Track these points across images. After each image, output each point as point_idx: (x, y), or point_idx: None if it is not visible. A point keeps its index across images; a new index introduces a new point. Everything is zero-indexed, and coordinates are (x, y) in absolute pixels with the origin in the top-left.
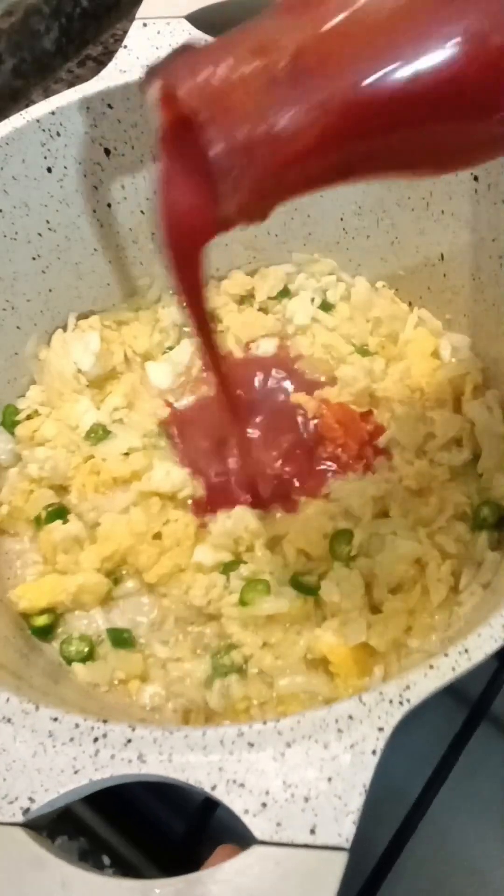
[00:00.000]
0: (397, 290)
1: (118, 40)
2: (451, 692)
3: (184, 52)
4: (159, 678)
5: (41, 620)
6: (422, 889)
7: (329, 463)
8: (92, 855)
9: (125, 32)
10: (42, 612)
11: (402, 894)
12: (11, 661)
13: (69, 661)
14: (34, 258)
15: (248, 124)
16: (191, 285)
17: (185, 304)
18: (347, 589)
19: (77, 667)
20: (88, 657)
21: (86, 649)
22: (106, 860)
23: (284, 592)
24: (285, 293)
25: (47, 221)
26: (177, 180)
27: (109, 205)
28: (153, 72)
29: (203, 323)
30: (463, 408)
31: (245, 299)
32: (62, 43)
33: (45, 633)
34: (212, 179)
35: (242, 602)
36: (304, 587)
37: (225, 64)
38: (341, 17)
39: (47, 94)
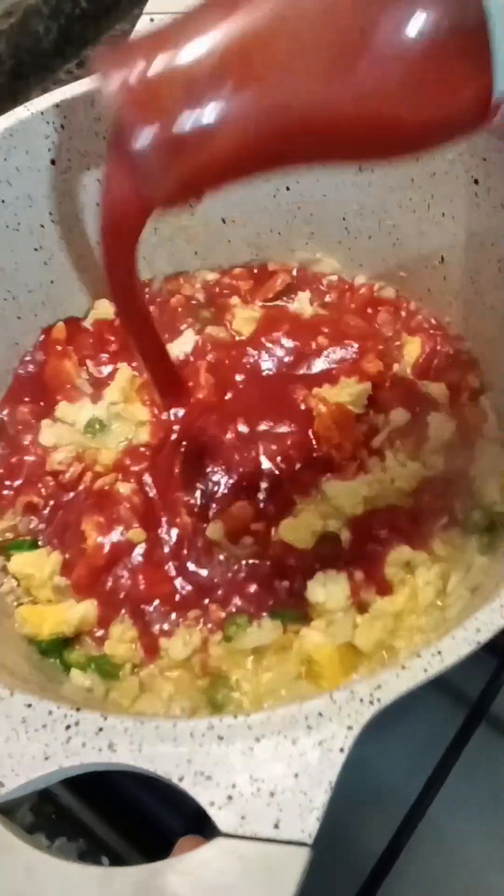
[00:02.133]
0: (398, 292)
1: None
2: (451, 692)
3: (126, 43)
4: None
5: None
6: (422, 889)
7: (323, 463)
8: (91, 855)
9: (125, 33)
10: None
11: (401, 894)
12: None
13: (68, 668)
14: (36, 249)
15: (169, 120)
16: (123, 283)
17: (117, 305)
18: (333, 590)
19: (74, 672)
20: (88, 666)
21: (87, 662)
22: (105, 861)
23: (265, 623)
24: (286, 291)
25: (50, 213)
26: (113, 170)
27: None
28: (96, 58)
29: (136, 325)
30: (458, 411)
31: (246, 298)
32: (61, 44)
33: (53, 651)
34: (136, 170)
35: (227, 638)
36: (283, 615)
37: (152, 60)
38: (266, 19)
39: None
